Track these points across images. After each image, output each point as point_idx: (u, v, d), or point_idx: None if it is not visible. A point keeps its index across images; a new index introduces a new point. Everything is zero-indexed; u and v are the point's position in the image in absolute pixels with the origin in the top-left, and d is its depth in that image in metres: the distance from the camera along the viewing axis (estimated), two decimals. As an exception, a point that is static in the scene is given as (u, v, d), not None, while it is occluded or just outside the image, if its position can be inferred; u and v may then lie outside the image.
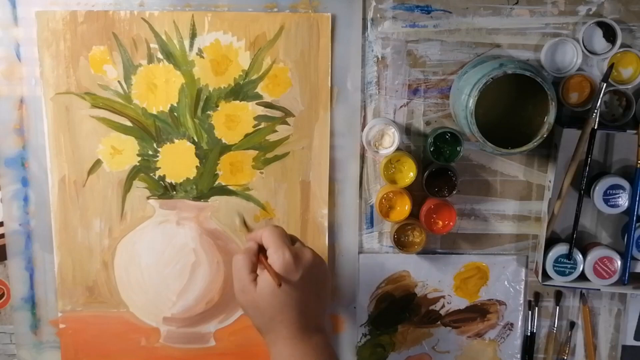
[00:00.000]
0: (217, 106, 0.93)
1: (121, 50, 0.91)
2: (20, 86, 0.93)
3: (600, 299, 1.00)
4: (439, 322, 1.01)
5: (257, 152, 0.94)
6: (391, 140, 0.92)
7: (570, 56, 0.92)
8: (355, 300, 1.00)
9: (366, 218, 0.98)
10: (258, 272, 0.81)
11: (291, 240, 0.83)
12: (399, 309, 1.00)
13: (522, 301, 1.00)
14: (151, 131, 0.93)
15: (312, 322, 0.81)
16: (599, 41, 0.92)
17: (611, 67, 0.90)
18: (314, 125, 0.94)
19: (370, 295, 1.00)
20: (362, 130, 0.94)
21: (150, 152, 0.94)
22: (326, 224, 0.96)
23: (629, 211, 0.93)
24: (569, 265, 0.94)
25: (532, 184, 0.97)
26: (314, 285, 0.81)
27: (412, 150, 0.96)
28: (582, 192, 0.92)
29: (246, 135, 0.94)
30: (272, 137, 0.94)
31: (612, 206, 0.92)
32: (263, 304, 0.79)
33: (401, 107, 0.95)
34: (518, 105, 0.88)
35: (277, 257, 0.79)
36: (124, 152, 0.94)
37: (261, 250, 0.82)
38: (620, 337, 1.01)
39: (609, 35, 0.91)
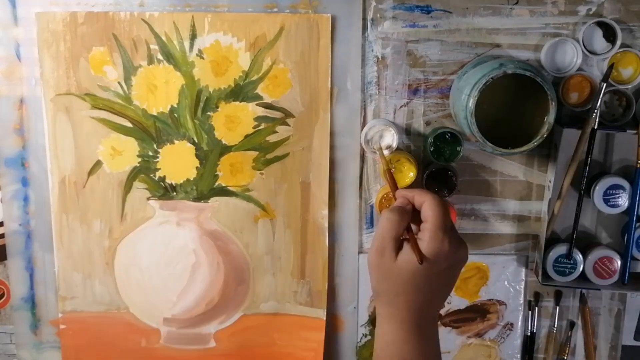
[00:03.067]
0: (217, 107, 0.93)
1: (121, 51, 0.91)
2: (20, 86, 0.93)
3: (600, 299, 1.00)
4: (439, 322, 1.01)
5: (257, 153, 0.94)
6: (390, 141, 0.91)
7: (570, 56, 0.92)
8: (356, 300, 1.00)
9: (366, 218, 0.98)
10: (404, 241, 0.74)
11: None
12: (399, 309, 1.00)
13: (522, 301, 1.00)
14: (151, 132, 0.93)
15: (433, 312, 0.77)
16: (599, 41, 0.92)
17: (611, 67, 0.90)
18: (314, 126, 0.94)
19: (371, 296, 1.00)
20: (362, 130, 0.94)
21: (150, 153, 0.94)
22: (326, 225, 0.96)
23: (629, 211, 0.93)
24: (569, 265, 0.95)
25: (532, 184, 0.97)
26: (451, 278, 0.76)
27: (412, 150, 0.96)
28: (582, 192, 0.92)
29: (246, 136, 0.94)
30: (272, 138, 0.94)
31: (612, 206, 0.92)
32: (396, 278, 0.73)
33: (401, 107, 0.95)
34: (518, 105, 0.88)
35: (435, 238, 0.72)
36: (124, 153, 0.94)
37: (413, 213, 0.76)
38: (620, 337, 1.01)
39: (609, 35, 0.91)
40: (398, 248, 0.74)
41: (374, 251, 0.75)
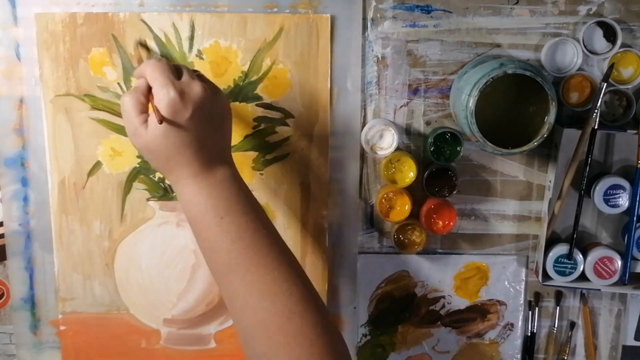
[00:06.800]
0: (217, 107, 0.93)
1: (120, 52, 0.91)
2: (20, 86, 0.93)
3: (600, 299, 1.00)
4: (439, 323, 1.01)
5: (256, 153, 0.94)
6: (390, 141, 0.91)
7: (571, 56, 0.92)
8: (356, 301, 1.00)
9: (366, 218, 0.98)
10: (150, 112, 0.76)
11: (177, 73, 0.78)
12: (399, 309, 1.00)
13: (522, 301, 1.00)
14: (151, 132, 0.93)
15: (214, 157, 0.78)
16: (599, 41, 0.92)
17: (611, 67, 0.90)
18: (314, 126, 0.93)
19: (370, 296, 1.00)
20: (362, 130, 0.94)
21: (150, 154, 0.94)
22: (326, 225, 0.96)
23: (629, 211, 0.93)
24: (569, 266, 0.94)
25: (532, 184, 0.97)
26: (209, 120, 0.77)
27: (412, 150, 0.96)
28: (582, 192, 0.92)
29: (246, 137, 0.93)
30: (271, 139, 0.94)
31: (613, 206, 0.92)
32: (156, 146, 0.75)
33: (401, 107, 0.95)
34: (518, 105, 0.88)
35: (161, 95, 0.74)
36: (124, 153, 0.94)
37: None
38: (621, 337, 1.01)
39: (609, 35, 0.91)
40: (146, 121, 0.76)
41: (130, 136, 0.78)
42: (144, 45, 0.88)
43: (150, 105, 0.77)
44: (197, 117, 0.75)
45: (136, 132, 0.76)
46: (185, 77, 0.77)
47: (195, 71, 0.82)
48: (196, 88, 0.76)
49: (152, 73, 0.76)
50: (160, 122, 0.73)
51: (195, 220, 0.77)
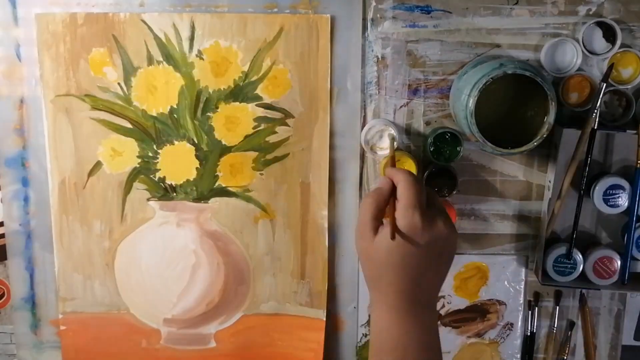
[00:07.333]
0: (217, 108, 0.93)
1: (121, 52, 0.91)
2: (20, 86, 0.93)
3: (600, 299, 1.00)
4: (438, 322, 1.01)
5: (257, 153, 0.94)
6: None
7: (570, 56, 0.92)
8: (356, 300, 1.00)
9: (366, 218, 0.98)
10: (384, 221, 0.74)
11: (427, 200, 0.74)
12: (399, 309, 1.00)
13: (522, 301, 1.00)
14: (151, 133, 0.93)
15: (424, 297, 0.74)
16: (598, 41, 0.92)
17: (611, 67, 0.90)
18: (314, 127, 0.94)
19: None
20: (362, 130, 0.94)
21: (150, 154, 0.94)
22: (326, 225, 0.96)
23: (628, 211, 0.93)
24: (568, 265, 0.95)
25: (532, 184, 0.97)
26: (436, 258, 0.73)
27: (412, 150, 0.96)
28: (582, 192, 0.92)
29: (246, 137, 0.94)
30: (271, 139, 0.94)
31: (612, 206, 0.92)
32: (376, 258, 0.72)
33: (401, 107, 0.95)
34: (518, 105, 0.88)
35: (405, 215, 0.71)
36: (124, 153, 0.94)
37: (394, 194, 0.74)
38: (620, 337, 1.01)
39: (609, 35, 0.91)
40: (377, 228, 0.74)
41: (356, 235, 0.76)
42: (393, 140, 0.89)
43: (388, 214, 0.74)
44: (427, 250, 0.72)
45: (363, 235, 0.74)
46: (434, 208, 0.74)
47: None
48: (440, 224, 0.73)
49: (404, 190, 0.73)
50: (393, 238, 0.71)
51: (379, 343, 0.73)
